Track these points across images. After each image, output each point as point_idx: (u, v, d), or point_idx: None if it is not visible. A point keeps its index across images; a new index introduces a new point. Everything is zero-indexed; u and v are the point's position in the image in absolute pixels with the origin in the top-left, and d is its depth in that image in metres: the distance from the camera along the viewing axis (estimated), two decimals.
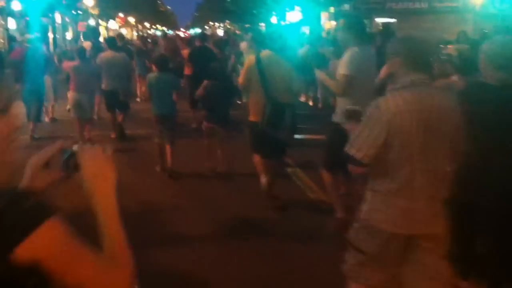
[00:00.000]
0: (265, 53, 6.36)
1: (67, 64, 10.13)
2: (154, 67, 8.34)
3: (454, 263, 3.34)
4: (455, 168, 3.18)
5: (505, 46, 3.41)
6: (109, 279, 1.36)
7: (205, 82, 7.77)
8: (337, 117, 5.31)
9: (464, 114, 3.10)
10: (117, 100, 10.20)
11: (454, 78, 4.95)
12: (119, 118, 10.55)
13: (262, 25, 58.56)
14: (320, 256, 5.03)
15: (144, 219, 5.98)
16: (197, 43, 12.27)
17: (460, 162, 3.20)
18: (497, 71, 3.32)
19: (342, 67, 5.37)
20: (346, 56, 5.35)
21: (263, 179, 6.48)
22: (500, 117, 3.25)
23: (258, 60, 6.17)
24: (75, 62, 9.70)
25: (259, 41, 7.43)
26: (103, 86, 10.28)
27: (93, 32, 15.65)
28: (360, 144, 3.02)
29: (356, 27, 5.46)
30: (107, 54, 10.59)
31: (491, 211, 3.29)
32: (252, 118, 6.27)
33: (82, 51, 9.96)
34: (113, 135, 10.51)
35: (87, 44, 13.79)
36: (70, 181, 1.56)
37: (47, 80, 11.24)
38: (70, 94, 9.61)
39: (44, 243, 1.25)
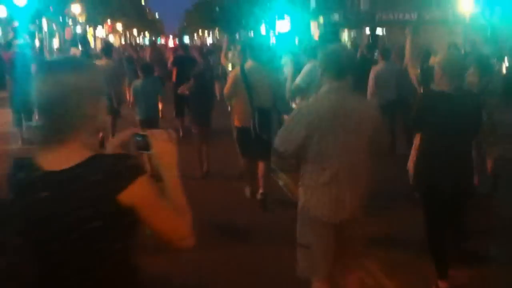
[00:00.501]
0: (249, 63, 6.83)
1: None
2: (139, 73, 8.87)
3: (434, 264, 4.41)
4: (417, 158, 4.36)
5: (457, 59, 4.34)
6: (178, 222, 1.91)
7: (191, 80, 8.39)
8: None
9: (423, 116, 4.24)
10: (110, 106, 10.07)
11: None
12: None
13: (251, 33, 58.60)
14: None
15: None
16: (180, 52, 13.51)
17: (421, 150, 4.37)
18: (451, 80, 4.12)
19: (298, 77, 6.76)
20: (305, 68, 6.49)
21: (247, 191, 7.12)
22: (454, 117, 4.11)
23: (243, 71, 6.66)
24: None
25: (245, 53, 7.67)
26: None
27: (83, 40, 15.37)
28: (282, 140, 3.52)
29: (325, 40, 6.29)
30: (101, 61, 10.73)
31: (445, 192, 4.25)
32: (237, 123, 6.85)
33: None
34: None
35: (74, 51, 13.82)
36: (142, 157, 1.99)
37: None
38: None
39: (139, 193, 1.78)
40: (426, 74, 6.40)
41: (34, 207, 1.76)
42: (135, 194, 1.77)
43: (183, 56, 12.68)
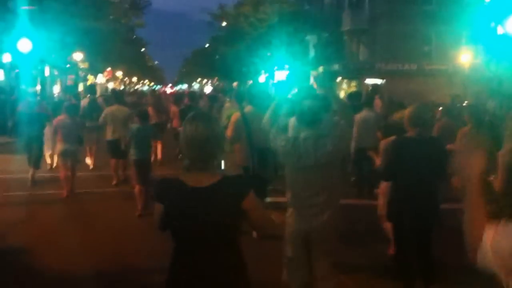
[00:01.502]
0: (248, 108, 7.69)
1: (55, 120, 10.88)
2: (136, 119, 9.87)
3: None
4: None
5: (421, 110, 5.25)
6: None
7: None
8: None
9: (392, 161, 5.33)
10: (119, 149, 10.72)
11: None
12: (121, 165, 11.51)
13: (250, 82, 58.96)
14: None
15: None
16: (186, 102, 14.43)
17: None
18: (415, 128, 5.09)
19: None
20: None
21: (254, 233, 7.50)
22: (417, 160, 5.00)
23: (244, 116, 7.38)
24: (61, 117, 10.65)
25: (242, 99, 8.43)
26: (108, 136, 11.40)
27: (91, 89, 16.41)
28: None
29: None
30: (112, 108, 11.77)
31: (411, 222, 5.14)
32: (240, 162, 7.48)
33: (69, 107, 11.13)
34: (114, 182, 11.44)
35: (84, 101, 14.34)
36: None
37: (47, 130, 11.73)
38: (57, 146, 10.56)
39: (251, 201, 2.90)
40: (389, 126, 7.08)
41: (191, 209, 2.86)
42: (249, 201, 2.89)
43: (190, 107, 12.91)
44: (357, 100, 10.97)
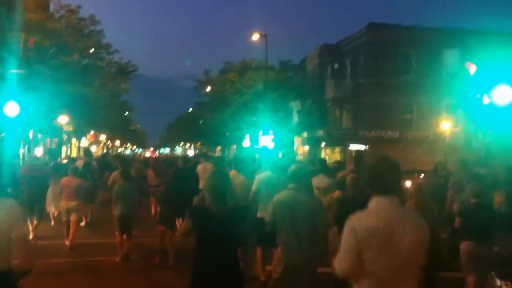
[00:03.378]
0: (232, 173, 8.71)
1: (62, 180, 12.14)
2: (120, 179, 11.26)
3: None
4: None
5: (218, 183, 5.04)
6: None
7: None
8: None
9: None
10: (129, 225, 10.78)
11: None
12: (127, 242, 10.76)
13: (234, 147, 58.90)
14: None
15: None
16: (180, 164, 14.85)
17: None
18: (214, 200, 4.92)
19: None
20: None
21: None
22: (218, 229, 4.91)
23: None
24: (67, 177, 12.03)
25: (229, 164, 9.22)
26: (117, 212, 10.74)
27: (88, 153, 18.62)
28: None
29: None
30: (124, 184, 11.21)
31: None
32: None
33: (75, 169, 12.54)
34: (117, 259, 10.56)
35: (79, 163, 15.60)
36: None
37: (50, 190, 13.32)
38: (62, 203, 11.90)
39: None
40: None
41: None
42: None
43: (184, 169, 14.05)
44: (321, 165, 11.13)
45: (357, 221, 3.38)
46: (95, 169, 16.32)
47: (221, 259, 4.71)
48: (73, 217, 11.58)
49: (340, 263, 3.41)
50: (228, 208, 4.85)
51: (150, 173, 14.70)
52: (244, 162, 9.12)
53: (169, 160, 19.54)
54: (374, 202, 3.44)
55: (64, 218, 11.86)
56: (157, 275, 9.58)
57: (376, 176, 3.49)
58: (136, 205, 11.40)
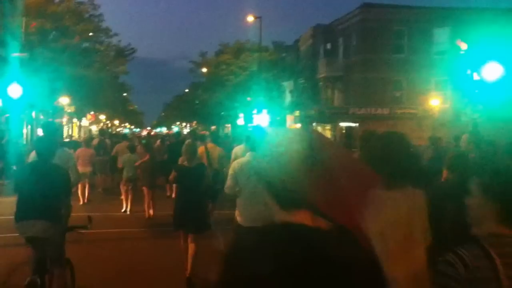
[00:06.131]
0: (210, 145, 10.84)
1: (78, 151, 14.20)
2: (124, 151, 13.96)
3: None
4: None
5: (191, 147, 7.78)
6: None
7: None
8: None
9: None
10: (136, 184, 13.44)
11: None
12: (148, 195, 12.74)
13: (228, 126, 58.59)
14: None
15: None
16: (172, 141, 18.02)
17: None
18: (187, 159, 7.62)
19: None
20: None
21: None
22: (189, 175, 7.56)
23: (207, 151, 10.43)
24: (81, 149, 14.52)
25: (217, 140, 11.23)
26: (125, 175, 13.10)
27: (102, 132, 21.79)
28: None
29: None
30: (130, 155, 13.42)
31: None
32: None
33: (88, 141, 15.69)
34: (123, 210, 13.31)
35: (95, 141, 18.17)
36: None
37: None
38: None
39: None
40: None
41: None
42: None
43: (176, 142, 16.36)
44: None
45: None
46: (108, 145, 18.26)
47: (191, 195, 7.27)
48: (87, 181, 13.97)
49: None
50: (195, 164, 7.51)
51: (139, 148, 15.48)
52: (221, 138, 11.41)
53: (161, 136, 22.94)
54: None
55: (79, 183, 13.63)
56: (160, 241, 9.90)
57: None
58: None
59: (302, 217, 1.44)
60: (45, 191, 5.17)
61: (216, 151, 10.72)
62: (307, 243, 1.34)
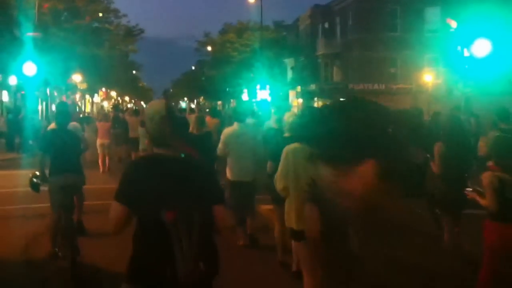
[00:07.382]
0: (208, 118, 11.24)
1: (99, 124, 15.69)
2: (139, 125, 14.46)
3: None
4: None
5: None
6: None
7: None
8: None
9: None
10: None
11: None
12: None
13: (233, 101, 58.68)
14: None
15: None
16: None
17: None
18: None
19: None
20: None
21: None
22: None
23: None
24: (100, 123, 15.67)
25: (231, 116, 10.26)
26: (141, 147, 14.08)
27: (117, 107, 22.55)
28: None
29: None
30: (143, 128, 14.32)
31: None
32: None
33: (106, 115, 17.81)
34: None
35: (110, 114, 19.02)
36: None
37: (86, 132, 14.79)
38: (98, 140, 14.84)
39: None
40: None
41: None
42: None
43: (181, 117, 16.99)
44: None
45: None
46: (122, 120, 18.69)
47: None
48: (107, 151, 14.82)
49: None
50: (203, 132, 7.97)
51: (131, 120, 16.58)
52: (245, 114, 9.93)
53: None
54: None
55: (100, 152, 14.79)
56: None
57: None
58: None
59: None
60: (71, 150, 6.57)
61: (213, 122, 12.27)
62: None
